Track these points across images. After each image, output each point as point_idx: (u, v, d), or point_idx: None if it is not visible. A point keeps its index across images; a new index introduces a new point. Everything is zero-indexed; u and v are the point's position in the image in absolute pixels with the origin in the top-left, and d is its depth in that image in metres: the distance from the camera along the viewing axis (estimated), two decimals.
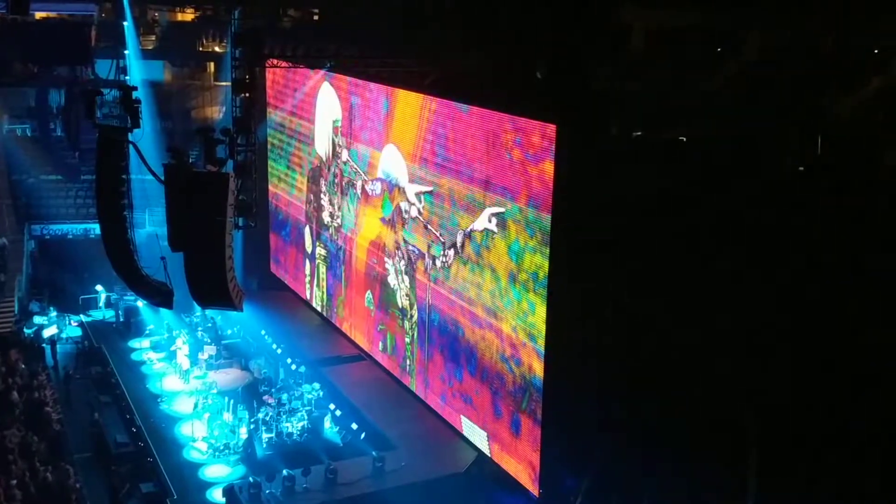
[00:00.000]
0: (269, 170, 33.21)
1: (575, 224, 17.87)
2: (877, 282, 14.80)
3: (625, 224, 17.38)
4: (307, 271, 31.42)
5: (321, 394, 24.58)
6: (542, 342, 19.08)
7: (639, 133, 19.11)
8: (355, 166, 26.80)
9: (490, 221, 20.31)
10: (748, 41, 19.08)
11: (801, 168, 17.10)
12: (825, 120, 17.20)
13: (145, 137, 19.96)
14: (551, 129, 18.06)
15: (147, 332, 29.35)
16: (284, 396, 24.30)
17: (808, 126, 17.15)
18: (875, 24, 17.41)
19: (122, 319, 30.52)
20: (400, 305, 25.16)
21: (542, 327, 18.96)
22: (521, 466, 20.37)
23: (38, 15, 36.32)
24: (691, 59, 19.34)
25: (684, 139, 18.66)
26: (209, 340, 28.12)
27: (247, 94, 21.04)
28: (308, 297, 31.51)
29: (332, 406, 24.15)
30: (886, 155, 16.52)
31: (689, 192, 16.66)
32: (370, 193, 26.08)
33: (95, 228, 27.99)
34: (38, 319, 29.99)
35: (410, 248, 24.17)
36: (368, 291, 26.94)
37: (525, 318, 19.53)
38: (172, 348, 27.35)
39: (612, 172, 17.51)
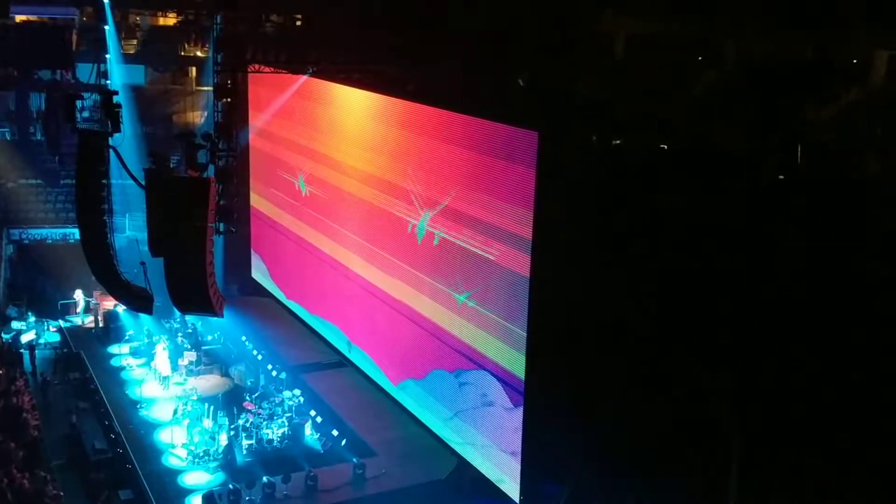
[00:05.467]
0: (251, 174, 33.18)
1: (556, 231, 17.91)
2: (858, 288, 14.90)
3: (605, 231, 17.43)
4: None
5: (302, 400, 24.51)
6: (523, 348, 19.12)
7: (618, 141, 19.18)
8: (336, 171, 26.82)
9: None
10: (728, 50, 19.20)
11: (782, 177, 17.20)
12: (805, 129, 17.31)
13: (126, 142, 19.93)
14: (533, 136, 18.12)
15: (126, 337, 29.16)
16: (264, 403, 24.25)
17: (788, 135, 17.25)
18: (854, 35, 17.55)
19: (101, 325, 30.33)
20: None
21: (524, 333, 19.02)
22: (503, 473, 20.37)
23: (19, 18, 36.10)
24: (672, 67, 19.43)
25: (665, 147, 18.74)
26: (189, 346, 27.98)
27: (228, 100, 21.03)
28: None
29: (312, 412, 24.09)
30: (866, 164, 16.65)
31: (670, 200, 16.72)
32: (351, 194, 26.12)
33: (75, 233, 27.82)
34: (16, 325, 29.76)
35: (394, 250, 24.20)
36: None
37: (507, 325, 19.57)
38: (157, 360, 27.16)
39: (593, 180, 17.57)
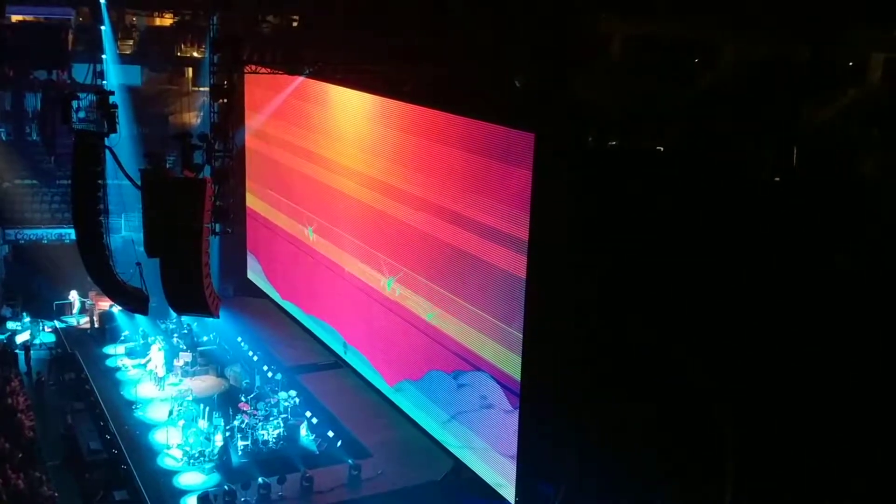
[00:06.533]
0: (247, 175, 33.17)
1: (552, 232, 17.91)
2: (857, 289, 14.91)
3: (601, 232, 17.43)
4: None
5: (297, 401, 24.48)
6: (519, 350, 19.11)
7: (614, 142, 19.18)
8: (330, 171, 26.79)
9: None
10: (724, 52, 19.21)
11: (777, 178, 17.21)
12: (801, 131, 17.33)
13: (122, 142, 19.88)
14: (529, 137, 18.11)
15: (122, 338, 29.13)
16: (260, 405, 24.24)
17: (783, 137, 17.27)
18: (850, 37, 17.58)
19: (96, 325, 30.28)
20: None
21: (520, 335, 19.01)
22: (502, 477, 20.33)
23: (15, 18, 36.01)
24: (668, 68, 19.44)
25: (661, 148, 18.74)
26: (185, 347, 27.95)
27: (225, 100, 20.97)
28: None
29: (308, 413, 24.06)
30: (862, 165, 16.66)
31: (666, 202, 16.72)
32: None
33: (70, 233, 27.82)
34: (11, 325, 29.71)
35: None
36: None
37: (504, 326, 19.56)
38: (148, 357, 27.10)
39: (589, 181, 17.57)
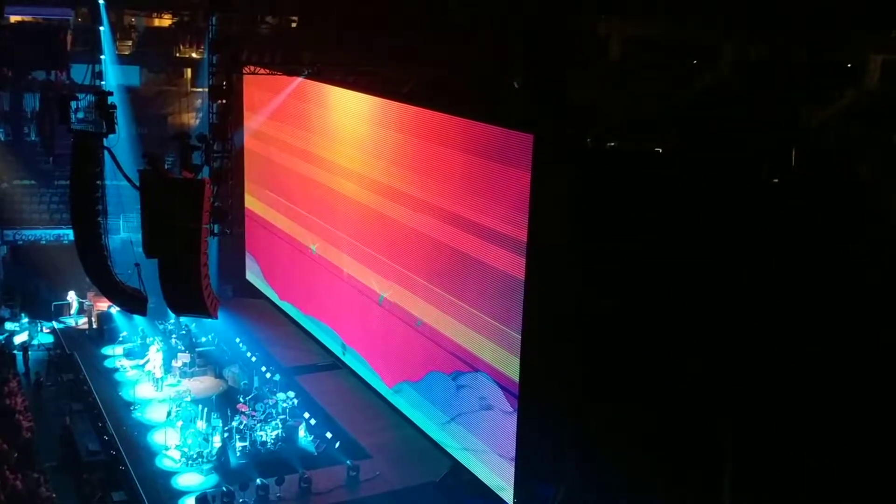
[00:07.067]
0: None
1: (551, 233, 17.89)
2: (856, 290, 14.90)
3: (600, 233, 17.41)
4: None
5: (296, 402, 24.45)
6: (518, 352, 19.09)
7: (613, 143, 19.16)
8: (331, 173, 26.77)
9: None
10: (723, 54, 19.21)
11: (776, 179, 17.20)
12: (800, 131, 17.33)
13: (120, 143, 19.90)
14: (528, 138, 18.09)
15: (120, 338, 29.10)
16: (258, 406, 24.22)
17: (782, 138, 17.26)
18: (849, 38, 17.60)
19: (94, 326, 30.25)
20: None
21: (518, 336, 18.99)
22: (502, 479, 20.30)
23: (14, 18, 35.99)
24: (667, 70, 19.43)
25: (660, 150, 18.72)
26: (183, 348, 27.92)
27: (223, 101, 20.98)
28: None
29: (306, 415, 24.04)
30: (860, 166, 16.66)
31: (664, 203, 16.71)
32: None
33: (69, 234, 27.80)
34: (9, 326, 29.68)
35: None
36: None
37: (503, 328, 19.54)
38: (147, 358, 27.07)
39: (588, 182, 17.55)
